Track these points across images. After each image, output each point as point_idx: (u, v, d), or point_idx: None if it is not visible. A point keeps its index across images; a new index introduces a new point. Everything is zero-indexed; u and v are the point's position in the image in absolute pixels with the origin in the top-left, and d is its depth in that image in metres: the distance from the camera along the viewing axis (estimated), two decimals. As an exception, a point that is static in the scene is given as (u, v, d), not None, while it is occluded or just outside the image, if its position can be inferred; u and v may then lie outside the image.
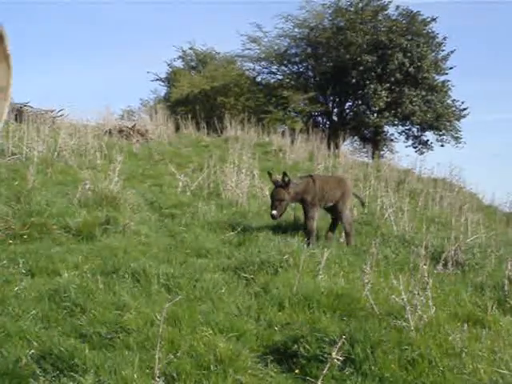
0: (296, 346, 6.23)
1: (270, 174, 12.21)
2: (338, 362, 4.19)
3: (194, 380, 5.57)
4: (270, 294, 7.95)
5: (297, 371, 5.95)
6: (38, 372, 5.49)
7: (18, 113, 22.68)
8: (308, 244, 11.00)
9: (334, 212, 12.41)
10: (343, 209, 12.35)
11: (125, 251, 9.74)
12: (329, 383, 5.52)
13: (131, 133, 25.21)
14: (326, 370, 4.03)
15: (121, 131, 25.13)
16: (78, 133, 21.15)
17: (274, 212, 11.59)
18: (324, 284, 8.18)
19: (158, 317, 5.88)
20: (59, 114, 26.10)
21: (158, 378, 4.17)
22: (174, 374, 5.57)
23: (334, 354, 3.88)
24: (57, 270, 8.59)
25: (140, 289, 7.96)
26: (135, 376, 5.46)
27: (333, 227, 12.57)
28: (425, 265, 7.60)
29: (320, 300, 7.59)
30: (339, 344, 4.09)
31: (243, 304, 7.61)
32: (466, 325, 6.63)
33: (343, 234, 12.08)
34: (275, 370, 6.05)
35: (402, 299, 6.79)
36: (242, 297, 7.91)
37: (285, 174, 11.64)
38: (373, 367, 5.86)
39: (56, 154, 18.03)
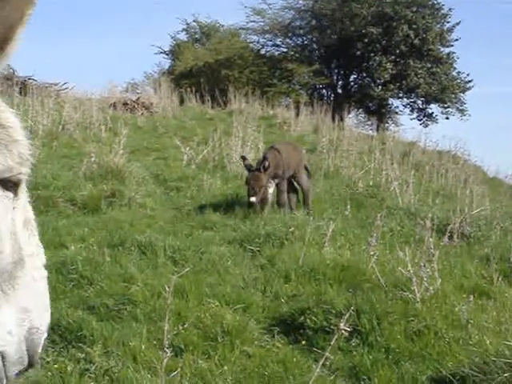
0: (302, 318, 6.27)
1: (243, 158, 11.81)
2: (346, 334, 4.20)
3: (201, 351, 5.62)
4: (276, 266, 7.98)
5: (303, 342, 6.00)
6: (46, 343, 5.53)
7: (23, 86, 22.58)
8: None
9: (294, 180, 12.28)
10: (302, 175, 12.27)
11: (131, 224, 9.78)
12: (335, 354, 5.55)
13: (136, 106, 25.17)
14: (333, 341, 4.04)
15: (125, 104, 25.07)
16: (82, 106, 21.13)
17: (253, 199, 11.01)
18: (330, 256, 8.19)
19: (166, 288, 5.92)
20: (63, 87, 26.06)
21: (167, 349, 4.18)
22: (182, 346, 5.63)
23: (341, 325, 3.89)
24: (63, 243, 8.62)
25: (146, 261, 8.00)
26: (143, 347, 5.52)
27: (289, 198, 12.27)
28: (430, 237, 7.62)
29: (326, 272, 7.62)
30: (347, 315, 4.10)
31: (249, 276, 7.65)
32: (471, 296, 6.66)
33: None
34: (282, 342, 6.10)
35: (408, 271, 6.81)
36: (248, 269, 7.95)
37: (265, 159, 11.11)
38: (379, 338, 5.90)
39: (61, 127, 18.02)
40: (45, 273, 2.11)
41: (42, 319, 2.05)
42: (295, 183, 12.35)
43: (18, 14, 1.66)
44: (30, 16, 1.68)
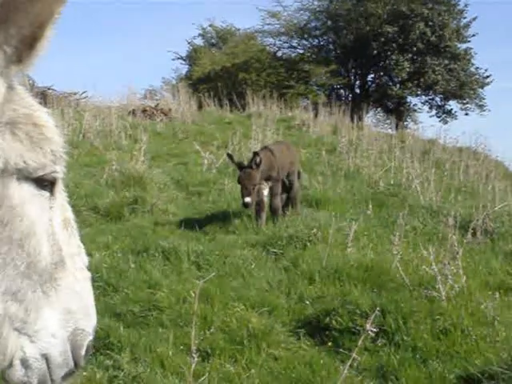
0: (328, 319, 6.27)
1: (230, 156, 11.00)
2: (372, 334, 4.21)
3: (227, 355, 5.64)
4: (299, 268, 7.98)
5: (329, 344, 6.01)
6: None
7: (43, 96, 22.70)
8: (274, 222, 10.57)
9: (287, 180, 11.56)
10: (294, 177, 11.70)
11: (154, 230, 9.82)
12: (362, 355, 5.55)
13: (154, 112, 25.19)
14: (360, 342, 4.05)
15: (144, 111, 25.11)
16: (101, 114, 21.24)
17: (248, 199, 10.11)
18: (353, 257, 8.19)
19: (192, 294, 5.95)
20: (83, 96, 26.17)
21: (194, 353, 4.21)
22: (209, 350, 5.65)
23: (368, 326, 3.90)
24: (88, 251, 8.62)
25: (170, 267, 8.04)
26: (170, 353, 5.55)
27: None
28: (454, 234, 7.59)
29: (350, 273, 7.61)
30: (373, 316, 4.11)
31: (273, 279, 7.66)
32: (497, 293, 6.63)
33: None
34: (308, 344, 6.11)
35: (433, 269, 6.79)
36: (271, 272, 7.96)
37: (256, 154, 10.30)
38: (405, 337, 5.89)
39: (81, 136, 18.15)
40: (88, 274, 2.12)
41: (86, 321, 2.06)
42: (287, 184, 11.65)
43: (49, 12, 1.68)
44: (60, 14, 1.70)
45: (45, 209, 1.91)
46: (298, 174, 12.17)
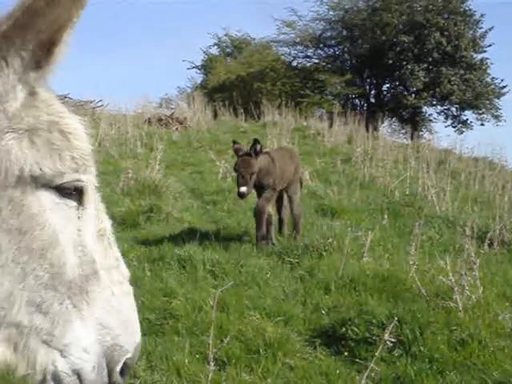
0: (344, 329, 6.23)
1: (234, 142, 10.12)
2: (390, 344, 4.19)
3: (244, 364, 5.62)
4: (315, 277, 7.96)
5: (346, 354, 5.96)
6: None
7: (59, 105, 22.78)
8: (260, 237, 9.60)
9: (285, 193, 10.39)
10: (295, 189, 10.48)
11: (169, 238, 9.82)
12: (378, 365, 5.51)
13: (170, 121, 25.29)
14: (378, 352, 4.03)
15: (160, 120, 25.22)
16: (117, 123, 21.33)
17: (244, 189, 9.16)
18: (369, 266, 8.16)
19: (209, 302, 5.95)
20: (99, 104, 26.29)
21: (212, 362, 4.21)
22: (225, 359, 5.63)
23: (386, 336, 3.89)
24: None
25: (186, 275, 8.04)
26: (186, 361, 5.53)
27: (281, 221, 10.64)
28: (470, 245, 7.55)
29: (366, 282, 7.59)
30: (390, 326, 4.09)
31: (289, 288, 7.65)
32: (515, 304, 6.59)
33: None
34: (324, 353, 6.08)
35: (450, 280, 6.76)
36: (287, 281, 7.94)
37: (256, 142, 9.40)
38: (422, 348, 5.84)
39: (97, 144, 18.21)
40: (128, 288, 2.06)
41: (126, 337, 2.00)
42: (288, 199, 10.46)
43: (67, 17, 1.67)
44: (78, 19, 1.69)
45: (71, 219, 1.87)
46: (300, 185, 10.98)
